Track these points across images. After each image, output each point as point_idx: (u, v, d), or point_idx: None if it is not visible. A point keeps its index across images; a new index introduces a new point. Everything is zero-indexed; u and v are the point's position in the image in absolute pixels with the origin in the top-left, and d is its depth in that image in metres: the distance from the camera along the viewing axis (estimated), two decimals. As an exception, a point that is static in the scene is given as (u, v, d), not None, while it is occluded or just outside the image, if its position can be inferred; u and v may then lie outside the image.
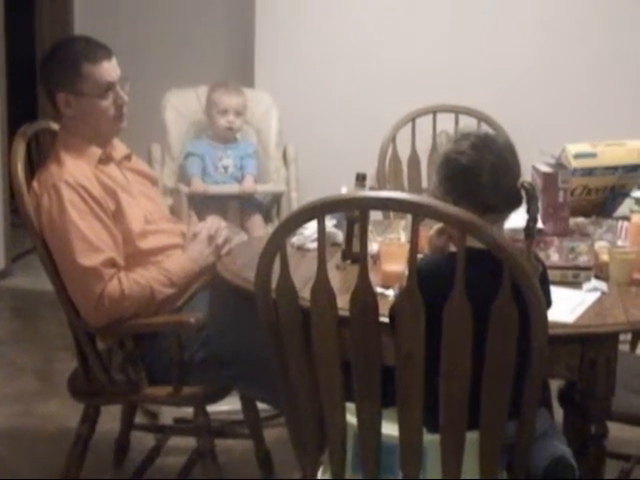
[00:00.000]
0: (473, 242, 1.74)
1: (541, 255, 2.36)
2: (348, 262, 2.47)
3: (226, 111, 3.78)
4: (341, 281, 2.31)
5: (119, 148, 2.70)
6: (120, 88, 2.59)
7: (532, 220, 1.96)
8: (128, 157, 2.73)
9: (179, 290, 2.59)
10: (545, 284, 1.96)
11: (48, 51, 2.64)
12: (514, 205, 1.96)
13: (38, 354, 4.05)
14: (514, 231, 2.13)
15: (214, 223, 2.72)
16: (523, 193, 1.94)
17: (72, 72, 2.53)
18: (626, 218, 2.70)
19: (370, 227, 1.78)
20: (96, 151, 2.59)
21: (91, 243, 2.44)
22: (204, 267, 2.63)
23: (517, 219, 2.00)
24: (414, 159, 3.59)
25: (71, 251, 2.43)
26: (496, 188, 1.92)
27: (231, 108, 3.79)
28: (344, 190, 2.55)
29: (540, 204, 2.70)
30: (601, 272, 2.37)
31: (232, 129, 3.81)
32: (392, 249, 2.36)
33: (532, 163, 2.85)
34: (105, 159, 2.61)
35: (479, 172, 1.91)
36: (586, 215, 2.75)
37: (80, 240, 2.43)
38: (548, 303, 1.94)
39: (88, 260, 2.43)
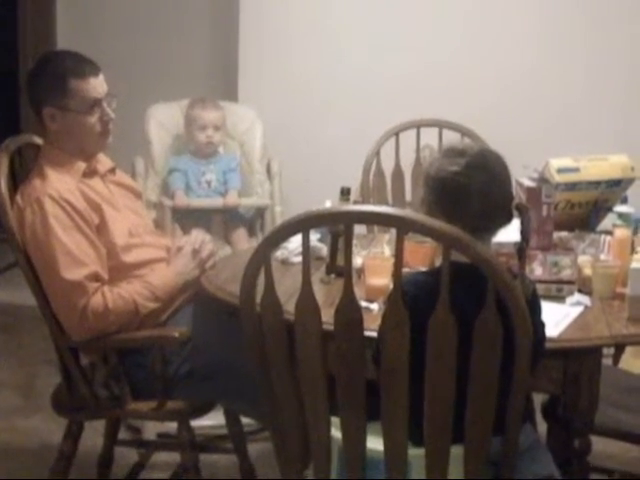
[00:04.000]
0: (457, 256, 1.74)
1: (525, 269, 2.37)
2: (332, 276, 2.47)
3: (205, 126, 3.80)
4: (325, 295, 2.31)
5: (103, 161, 2.70)
6: (107, 105, 2.58)
7: (525, 241, 1.95)
8: (112, 170, 2.72)
9: (163, 304, 2.58)
10: (535, 304, 1.94)
11: (35, 65, 2.63)
12: (504, 223, 1.94)
13: (20, 369, 4.02)
14: (499, 245, 2.14)
15: (198, 237, 2.71)
16: (516, 213, 1.93)
17: (58, 87, 2.52)
18: (609, 232, 2.71)
19: (354, 241, 1.78)
20: (80, 165, 2.59)
21: (75, 257, 2.43)
22: (188, 281, 2.63)
23: (503, 233, 2.00)
24: (398, 173, 3.60)
25: (55, 265, 2.42)
26: (486, 209, 1.89)
27: (209, 123, 3.80)
28: (328, 204, 2.56)
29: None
30: (584, 286, 2.38)
31: (212, 143, 3.82)
32: (376, 263, 2.37)
33: (515, 178, 2.86)
34: (89, 173, 2.60)
35: (468, 194, 1.88)
36: (569, 229, 2.76)
37: (64, 254, 2.42)
38: (539, 324, 1.93)
39: (72, 274, 2.42)
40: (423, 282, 1.89)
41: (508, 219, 1.94)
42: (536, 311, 1.92)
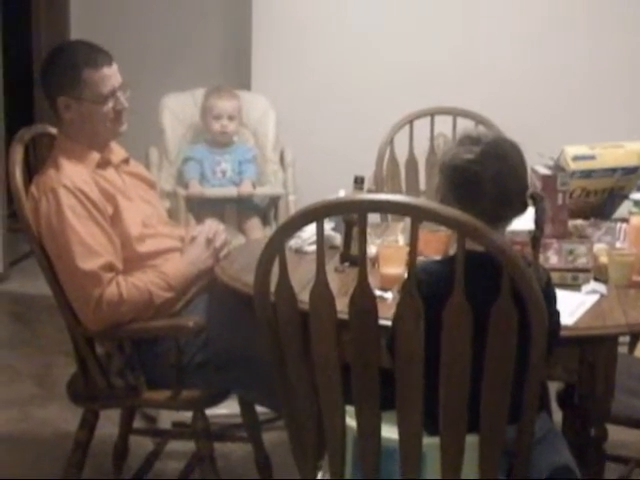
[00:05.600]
0: (472, 245, 1.73)
1: (540, 258, 2.36)
2: (346, 265, 2.47)
3: (219, 116, 3.80)
4: (339, 284, 2.31)
5: (117, 152, 2.70)
6: (121, 94, 2.59)
7: (539, 230, 1.93)
8: (126, 161, 2.73)
9: (177, 294, 2.58)
10: (550, 294, 1.92)
11: (49, 55, 2.64)
12: (518, 212, 1.93)
13: (36, 359, 4.04)
14: (513, 233, 2.13)
15: (212, 226, 2.71)
16: (530, 202, 1.92)
17: (73, 77, 2.53)
18: (625, 220, 2.69)
19: (368, 230, 1.78)
20: (94, 155, 2.59)
21: (89, 247, 2.43)
22: (202, 270, 2.63)
23: (517, 222, 1.99)
24: (412, 161, 3.59)
25: (69, 255, 2.42)
26: (500, 198, 1.88)
27: (224, 112, 3.80)
28: (342, 193, 2.56)
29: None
30: (600, 274, 2.36)
31: (226, 133, 3.82)
32: (390, 252, 2.36)
33: (531, 165, 2.85)
34: (103, 163, 2.61)
35: (483, 182, 1.87)
36: (585, 217, 2.74)
37: (78, 244, 2.43)
38: (554, 313, 1.91)
39: (86, 264, 2.42)
40: (437, 270, 1.88)
41: (523, 208, 1.93)
42: (551, 300, 1.91)
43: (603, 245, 2.51)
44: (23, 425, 3.42)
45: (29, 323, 4.53)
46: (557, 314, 1.93)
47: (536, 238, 1.93)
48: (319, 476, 2.00)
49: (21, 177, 2.49)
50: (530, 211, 1.94)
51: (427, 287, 1.77)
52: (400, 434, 1.82)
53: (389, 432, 1.85)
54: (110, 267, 2.46)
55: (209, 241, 2.66)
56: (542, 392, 2.00)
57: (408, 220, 1.87)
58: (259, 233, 3.77)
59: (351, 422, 1.88)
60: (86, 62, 2.53)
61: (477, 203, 1.86)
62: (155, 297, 2.52)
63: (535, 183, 2.79)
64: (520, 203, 1.92)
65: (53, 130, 2.66)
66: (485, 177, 1.87)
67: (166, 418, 3.24)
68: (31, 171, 2.58)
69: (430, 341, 1.75)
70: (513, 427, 1.84)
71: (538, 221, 1.92)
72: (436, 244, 2.43)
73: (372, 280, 1.82)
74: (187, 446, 2.92)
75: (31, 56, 5.83)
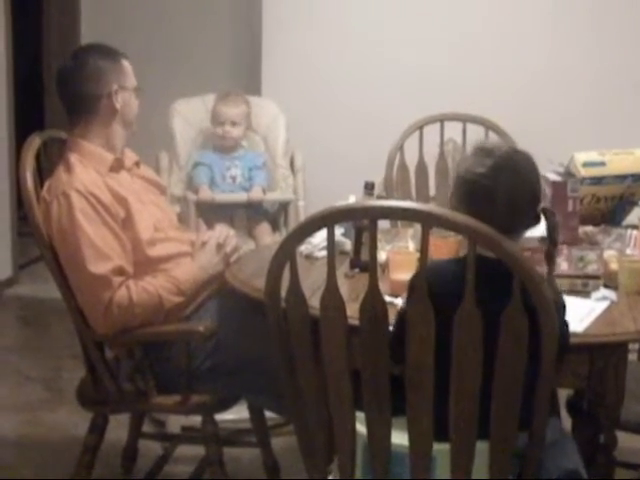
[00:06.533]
0: (482, 251, 1.73)
1: (553, 273, 2.35)
2: (356, 270, 2.47)
3: (222, 122, 3.82)
4: (349, 289, 2.31)
5: (129, 155, 2.72)
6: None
7: (553, 245, 1.93)
8: (137, 164, 2.74)
9: (187, 299, 2.59)
10: (561, 305, 1.92)
11: (77, 54, 2.66)
12: (531, 225, 1.93)
13: (46, 363, 4.05)
14: (524, 239, 2.12)
15: (222, 231, 2.72)
16: (543, 218, 1.92)
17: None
18: (635, 227, 2.69)
19: (378, 235, 1.78)
20: (108, 157, 2.60)
21: (100, 251, 2.44)
22: (212, 276, 2.63)
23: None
24: (422, 167, 3.59)
25: (80, 259, 2.43)
26: (512, 211, 1.88)
27: (227, 118, 3.82)
28: (352, 199, 2.56)
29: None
30: (610, 281, 2.36)
31: (227, 138, 3.83)
32: (400, 258, 2.36)
33: (541, 172, 2.85)
34: (117, 166, 2.62)
35: (495, 197, 1.87)
36: (595, 224, 2.74)
37: (89, 248, 2.43)
38: (563, 324, 1.90)
39: (97, 268, 2.43)
40: (447, 269, 1.89)
41: (535, 222, 1.93)
42: (562, 311, 1.91)
43: (613, 252, 2.51)
44: (32, 429, 3.43)
45: (38, 327, 4.54)
46: (566, 325, 1.93)
47: (550, 253, 1.93)
48: (329, 481, 2.01)
49: (32, 181, 2.50)
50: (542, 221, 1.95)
51: (437, 286, 1.77)
52: (410, 440, 1.82)
53: (399, 438, 1.85)
54: (120, 271, 2.47)
55: (219, 246, 2.67)
56: (552, 398, 2.00)
57: (418, 226, 1.87)
58: (269, 238, 3.77)
59: (361, 428, 1.88)
60: (119, 53, 2.61)
61: (488, 216, 1.83)
62: (165, 301, 2.52)
63: (545, 189, 2.79)
64: (532, 217, 1.92)
65: (64, 135, 2.67)
66: (497, 191, 1.87)
67: (175, 422, 3.24)
68: (42, 175, 2.59)
69: (440, 343, 1.75)
70: (524, 434, 1.84)
71: (550, 236, 1.93)
72: (446, 250, 2.43)
73: (382, 286, 1.82)
74: (196, 450, 2.92)
75: (42, 63, 5.85)
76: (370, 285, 1.76)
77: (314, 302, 1.87)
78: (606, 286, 2.34)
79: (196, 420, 2.66)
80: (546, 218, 1.92)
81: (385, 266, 2.40)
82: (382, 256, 2.43)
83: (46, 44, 5.81)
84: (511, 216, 1.89)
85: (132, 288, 2.47)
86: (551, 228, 1.93)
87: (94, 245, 2.43)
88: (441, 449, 1.83)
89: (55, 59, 5.48)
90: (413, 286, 1.78)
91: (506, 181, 1.88)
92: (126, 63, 2.63)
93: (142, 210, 2.58)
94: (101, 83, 2.57)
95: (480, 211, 1.84)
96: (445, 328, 1.74)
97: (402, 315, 1.85)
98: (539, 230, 1.97)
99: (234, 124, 3.83)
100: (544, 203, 1.95)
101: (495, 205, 1.87)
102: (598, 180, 2.81)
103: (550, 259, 1.95)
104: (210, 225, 3.40)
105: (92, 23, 5.38)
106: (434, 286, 1.74)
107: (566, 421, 2.41)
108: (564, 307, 1.93)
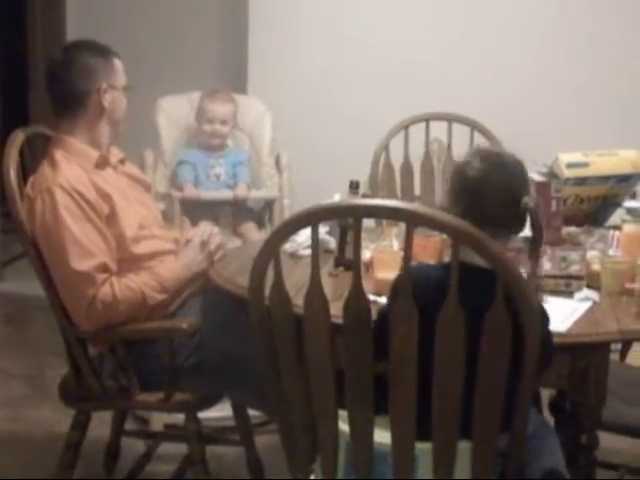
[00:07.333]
0: (464, 256, 1.74)
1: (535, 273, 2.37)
2: (340, 269, 2.47)
3: (211, 120, 3.80)
4: (333, 288, 2.31)
5: (114, 152, 2.71)
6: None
7: (536, 242, 1.94)
8: (122, 161, 2.73)
9: (171, 296, 2.58)
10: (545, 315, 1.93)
11: (67, 49, 2.65)
12: (517, 227, 1.96)
13: (28, 359, 4.03)
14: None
15: (206, 229, 2.72)
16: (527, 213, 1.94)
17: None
18: (617, 228, 2.71)
19: (363, 234, 1.78)
20: (93, 154, 2.59)
21: (84, 247, 2.43)
22: (196, 273, 2.63)
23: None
24: (407, 167, 3.59)
25: (64, 255, 2.42)
26: (501, 207, 1.91)
27: (217, 117, 3.80)
28: (337, 197, 2.56)
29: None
30: (593, 281, 2.37)
31: (217, 137, 3.81)
32: (385, 256, 2.36)
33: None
34: (102, 163, 2.61)
35: (485, 188, 1.91)
36: (578, 224, 2.75)
37: (73, 244, 2.43)
38: (547, 333, 1.91)
39: (80, 265, 2.42)
40: (429, 275, 1.89)
41: (522, 222, 1.95)
42: (545, 321, 1.91)
43: (596, 252, 2.52)
44: (15, 426, 3.42)
45: (21, 324, 4.52)
46: (549, 334, 1.93)
47: (534, 250, 1.95)
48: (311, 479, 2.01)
49: (15, 178, 2.48)
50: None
51: (420, 291, 1.77)
52: (393, 439, 1.83)
53: (382, 437, 1.85)
54: (104, 268, 2.46)
55: (204, 244, 2.66)
56: (534, 396, 2.01)
57: (403, 225, 1.87)
58: (257, 236, 3.77)
59: (343, 426, 1.88)
60: (111, 52, 2.61)
61: (479, 210, 1.89)
62: (148, 299, 2.52)
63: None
64: (519, 217, 1.94)
65: (48, 131, 2.66)
66: (488, 185, 1.91)
67: (158, 420, 3.23)
68: (25, 172, 2.58)
69: (423, 346, 1.75)
70: (505, 435, 1.84)
71: (535, 232, 1.94)
72: (430, 249, 2.44)
73: (366, 285, 1.83)
74: (179, 448, 2.92)
75: (26, 57, 5.82)
76: (354, 284, 1.77)
77: (298, 300, 1.87)
78: (589, 286, 2.35)
79: (179, 418, 2.65)
80: (529, 212, 1.93)
81: (369, 265, 2.41)
82: (366, 255, 2.43)
83: (31, 39, 5.78)
84: (499, 211, 1.91)
85: (116, 285, 2.47)
86: (534, 222, 1.94)
87: (78, 242, 2.43)
88: (424, 448, 1.83)
89: (40, 54, 5.45)
90: (396, 287, 1.79)
91: (497, 177, 1.92)
92: (117, 62, 2.62)
93: (127, 207, 2.58)
94: (90, 80, 2.56)
95: (471, 204, 1.90)
96: (428, 328, 1.74)
97: (382, 315, 1.86)
98: (525, 231, 1.98)
99: (224, 123, 3.82)
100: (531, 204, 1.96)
101: (485, 198, 1.91)
102: (581, 181, 2.82)
103: (534, 255, 1.96)
104: (195, 223, 3.39)
105: (78, 17, 5.35)
106: (417, 291, 1.74)
107: (548, 421, 2.42)
108: (547, 317, 1.94)
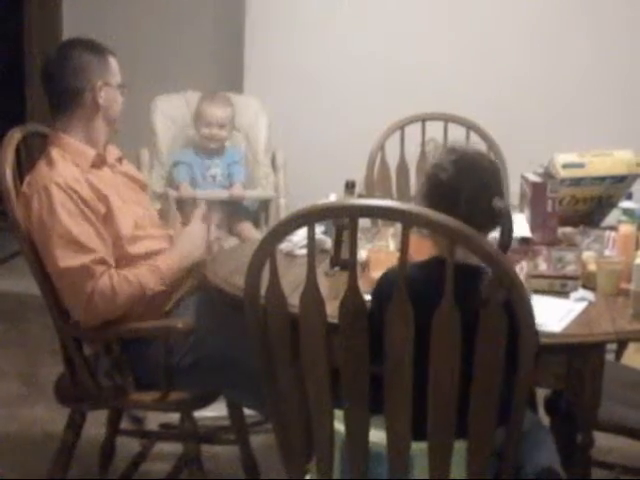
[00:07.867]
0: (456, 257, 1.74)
1: (529, 264, 2.37)
2: (336, 269, 2.47)
3: (209, 123, 3.80)
4: (329, 288, 2.31)
5: (112, 151, 2.71)
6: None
7: (504, 244, 1.92)
8: (120, 160, 2.73)
9: (169, 288, 2.58)
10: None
11: (63, 47, 2.65)
12: (490, 227, 1.95)
13: (23, 358, 4.03)
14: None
15: (203, 207, 2.76)
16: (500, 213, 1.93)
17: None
18: (613, 228, 2.71)
19: (359, 234, 1.78)
20: (90, 152, 2.59)
21: (81, 244, 2.43)
22: (194, 263, 2.63)
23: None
24: (403, 167, 3.60)
25: (61, 252, 2.42)
26: (473, 209, 1.90)
27: (214, 121, 3.80)
28: (333, 197, 2.56)
29: (529, 213, 2.72)
30: (588, 282, 2.37)
31: (214, 140, 3.81)
32: (380, 256, 2.37)
33: (521, 172, 2.87)
34: (99, 162, 2.61)
35: (457, 191, 1.91)
36: (574, 225, 2.76)
37: (70, 241, 2.42)
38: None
39: (77, 260, 2.42)
40: (414, 275, 1.89)
41: (494, 222, 1.94)
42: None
43: (591, 253, 2.52)
44: (9, 425, 3.41)
45: (16, 322, 4.51)
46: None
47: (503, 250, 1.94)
48: (306, 478, 2.01)
49: (11, 176, 2.48)
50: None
51: (413, 289, 1.77)
52: (388, 438, 1.83)
53: (377, 436, 1.85)
54: (102, 261, 2.46)
55: (205, 217, 2.68)
56: (529, 396, 2.01)
57: (399, 225, 1.87)
58: (252, 235, 3.76)
59: (339, 426, 1.88)
60: (106, 50, 2.61)
61: (451, 213, 1.85)
62: (147, 290, 2.51)
63: (525, 190, 2.80)
64: (492, 217, 1.93)
65: (45, 129, 2.66)
66: (460, 188, 1.91)
67: (153, 419, 3.23)
68: (22, 170, 2.58)
69: (419, 345, 1.75)
70: (500, 429, 1.85)
71: (504, 232, 1.92)
72: (426, 249, 2.43)
73: (362, 284, 1.83)
74: (174, 448, 2.92)
75: (23, 57, 5.81)
76: (350, 284, 1.77)
77: (294, 300, 1.87)
78: (584, 287, 2.35)
79: (174, 417, 2.65)
80: (498, 212, 1.92)
81: (365, 265, 2.41)
82: (362, 255, 2.43)
83: (27, 35, 5.77)
84: (472, 213, 1.89)
85: (114, 277, 2.46)
86: (503, 223, 1.93)
87: (75, 238, 2.42)
88: (419, 448, 1.84)
89: (37, 51, 5.45)
90: (379, 288, 1.81)
91: (469, 178, 1.92)
92: (112, 60, 2.62)
93: (123, 207, 2.58)
94: (85, 78, 2.56)
95: (443, 206, 1.85)
96: (423, 327, 1.74)
97: (370, 316, 1.85)
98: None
99: (222, 126, 3.82)
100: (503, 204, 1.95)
101: (457, 200, 1.90)
102: (577, 181, 2.83)
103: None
104: (187, 222, 3.39)
105: (74, 14, 5.34)
106: (411, 291, 1.74)
107: (544, 421, 2.42)
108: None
